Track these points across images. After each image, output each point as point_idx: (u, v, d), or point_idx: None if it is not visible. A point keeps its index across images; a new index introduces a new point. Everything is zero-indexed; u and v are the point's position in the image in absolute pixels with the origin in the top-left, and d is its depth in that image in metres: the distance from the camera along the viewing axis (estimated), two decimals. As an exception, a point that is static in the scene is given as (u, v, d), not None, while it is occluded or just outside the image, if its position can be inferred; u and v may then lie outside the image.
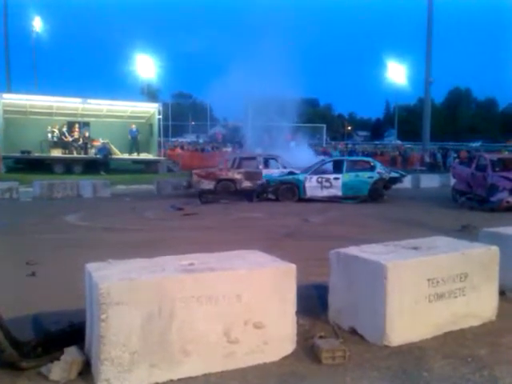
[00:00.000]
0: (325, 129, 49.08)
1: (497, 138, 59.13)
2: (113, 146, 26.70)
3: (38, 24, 44.60)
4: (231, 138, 39.33)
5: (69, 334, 3.40)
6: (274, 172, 15.89)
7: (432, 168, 31.03)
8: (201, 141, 45.35)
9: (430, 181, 21.39)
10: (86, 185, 16.19)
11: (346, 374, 3.13)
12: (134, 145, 27.99)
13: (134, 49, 45.60)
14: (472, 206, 12.88)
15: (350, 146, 46.26)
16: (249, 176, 15.82)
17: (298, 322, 3.49)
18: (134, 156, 28.11)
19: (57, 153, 25.80)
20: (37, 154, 25.23)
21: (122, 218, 10.93)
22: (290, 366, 3.23)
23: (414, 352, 3.45)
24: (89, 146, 26.52)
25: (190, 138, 50.82)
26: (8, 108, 25.20)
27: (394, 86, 50.42)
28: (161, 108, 27.74)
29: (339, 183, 14.59)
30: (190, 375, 3.03)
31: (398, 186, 16.12)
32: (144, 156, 28.34)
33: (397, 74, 47.86)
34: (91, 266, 3.23)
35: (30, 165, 25.45)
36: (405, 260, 3.68)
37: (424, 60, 34.88)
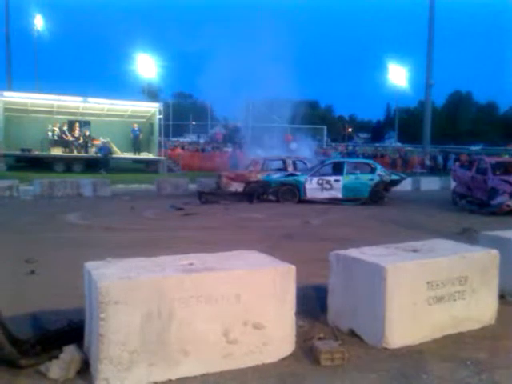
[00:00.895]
0: (325, 130, 49.04)
1: (497, 142, 59.20)
2: (113, 145, 26.71)
3: (39, 22, 44.57)
4: (231, 138, 39.29)
5: (68, 332, 3.40)
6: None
7: (432, 171, 31.03)
8: (201, 141, 45.28)
9: (430, 184, 21.43)
10: (86, 184, 16.19)
11: (344, 376, 3.12)
12: (136, 144, 28.02)
13: (135, 48, 45.43)
14: (472, 209, 12.88)
15: (350, 147, 46.28)
16: None
17: (297, 323, 3.49)
18: (135, 155, 28.12)
19: (57, 151, 25.78)
20: (37, 153, 25.22)
21: (122, 218, 10.92)
22: (288, 367, 3.23)
23: (412, 355, 3.45)
24: (89, 144, 26.50)
25: (190, 137, 50.76)
26: (9, 106, 25.15)
27: (395, 89, 50.35)
28: (161, 108, 27.67)
29: (340, 185, 14.59)
30: (189, 375, 3.03)
31: (398, 188, 16.14)
32: (144, 155, 28.35)
33: (398, 76, 47.78)
34: (90, 265, 3.23)
35: (30, 163, 25.45)
36: (404, 262, 3.68)
37: (425, 63, 34.99)
